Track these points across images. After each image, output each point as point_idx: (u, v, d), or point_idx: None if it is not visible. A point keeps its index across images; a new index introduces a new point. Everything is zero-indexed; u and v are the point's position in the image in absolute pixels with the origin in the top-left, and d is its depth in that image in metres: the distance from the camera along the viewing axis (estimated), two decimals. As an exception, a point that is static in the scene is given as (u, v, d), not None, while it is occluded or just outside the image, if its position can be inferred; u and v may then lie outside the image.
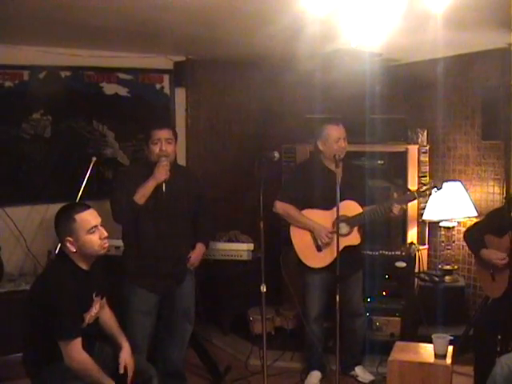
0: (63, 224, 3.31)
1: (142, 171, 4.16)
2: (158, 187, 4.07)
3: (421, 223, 5.84)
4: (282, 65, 6.15)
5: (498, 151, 5.49)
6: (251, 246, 5.85)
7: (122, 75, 6.05)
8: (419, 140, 5.87)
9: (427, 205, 5.58)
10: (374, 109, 5.93)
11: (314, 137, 4.73)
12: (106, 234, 3.39)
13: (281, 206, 4.67)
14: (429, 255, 6.08)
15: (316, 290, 4.75)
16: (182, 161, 6.12)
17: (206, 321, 4.64)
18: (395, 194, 5.20)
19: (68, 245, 3.30)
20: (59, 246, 4.96)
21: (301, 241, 4.66)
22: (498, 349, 4.31)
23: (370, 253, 5.21)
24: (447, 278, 5.53)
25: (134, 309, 4.18)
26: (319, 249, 4.61)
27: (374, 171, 5.40)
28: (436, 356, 3.99)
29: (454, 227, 5.65)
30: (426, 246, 5.98)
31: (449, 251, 5.68)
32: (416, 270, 5.53)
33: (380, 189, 5.32)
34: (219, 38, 5.18)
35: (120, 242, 4.38)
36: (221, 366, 4.95)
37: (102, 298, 3.54)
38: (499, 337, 4.29)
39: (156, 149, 4.12)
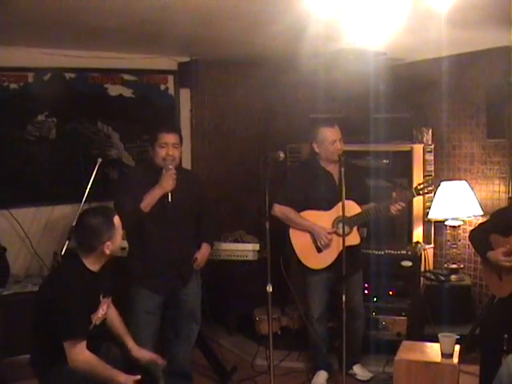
0: (105, 229, 3.35)
1: (147, 174, 4.17)
2: (164, 194, 4.09)
3: (426, 222, 5.84)
4: (286, 64, 6.14)
5: (504, 149, 5.48)
6: (257, 247, 5.86)
7: (126, 76, 6.06)
8: (424, 139, 5.87)
9: (433, 204, 5.58)
10: (378, 108, 5.92)
11: (310, 138, 4.73)
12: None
13: (279, 209, 4.67)
14: (434, 254, 6.08)
15: (317, 291, 4.75)
16: (186, 161, 6.13)
17: (212, 321, 4.63)
18: (394, 194, 5.19)
19: (105, 249, 3.34)
20: (65, 247, 5.04)
21: (300, 242, 4.67)
22: (505, 348, 4.30)
23: (376, 252, 5.21)
24: (453, 277, 5.52)
25: (139, 309, 4.19)
26: (319, 250, 4.62)
27: (379, 171, 5.40)
28: (443, 355, 3.98)
29: (459, 226, 5.63)
30: (432, 245, 5.98)
31: (454, 250, 5.67)
32: (422, 269, 5.53)
33: (385, 188, 5.31)
34: (223, 38, 5.18)
35: (125, 243, 4.38)
36: (227, 366, 4.96)
37: (108, 299, 3.55)
38: (505, 336, 4.28)
39: (162, 152, 4.12)
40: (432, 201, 5.58)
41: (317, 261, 4.64)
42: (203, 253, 4.40)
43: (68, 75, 5.76)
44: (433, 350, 4.10)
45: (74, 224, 5.06)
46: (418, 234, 5.76)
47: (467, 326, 5.10)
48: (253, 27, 4.66)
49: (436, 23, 4.23)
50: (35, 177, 5.67)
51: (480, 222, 5.14)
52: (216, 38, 5.17)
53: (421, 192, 4.54)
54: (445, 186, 5.44)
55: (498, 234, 4.29)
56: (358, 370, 4.96)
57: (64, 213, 5.67)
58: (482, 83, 5.59)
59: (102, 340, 3.54)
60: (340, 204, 4.36)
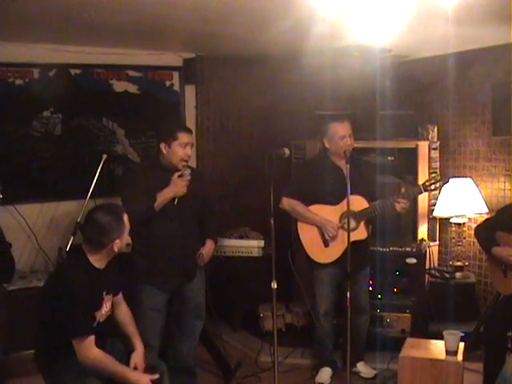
0: (115, 227, 3.35)
1: (156, 172, 4.18)
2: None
3: (431, 219, 5.83)
4: (292, 61, 6.14)
5: (509, 147, 5.47)
6: (261, 243, 5.87)
7: (131, 72, 6.06)
8: (429, 136, 5.86)
9: (438, 201, 5.57)
10: (383, 105, 5.91)
11: (320, 134, 4.74)
12: None
13: (287, 202, 4.69)
14: (439, 252, 6.07)
15: (324, 285, 4.76)
16: (192, 158, 6.11)
17: (217, 317, 4.63)
18: (402, 189, 5.19)
19: (114, 247, 3.35)
20: (70, 243, 5.05)
21: (308, 236, 4.68)
22: (509, 346, 4.30)
23: (381, 249, 5.22)
24: (458, 274, 5.51)
25: (145, 306, 4.19)
26: (326, 244, 4.62)
27: (384, 167, 5.39)
28: (447, 352, 3.98)
29: (464, 223, 5.63)
30: (437, 243, 5.97)
31: (459, 247, 5.66)
32: (427, 267, 5.54)
33: (390, 185, 5.30)
34: (228, 34, 5.18)
35: (129, 239, 4.38)
36: (231, 363, 4.96)
37: (113, 296, 3.56)
38: (510, 334, 4.28)
39: (181, 152, 4.11)
40: (437, 198, 5.57)
41: (324, 255, 4.65)
42: (208, 249, 4.40)
43: (73, 71, 5.77)
44: (437, 348, 4.10)
45: (79, 220, 5.12)
46: (422, 231, 5.76)
47: (472, 323, 5.09)
48: (258, 24, 4.65)
49: (441, 20, 4.23)
50: (40, 173, 5.68)
51: (485, 218, 5.12)
52: (222, 34, 5.18)
53: (428, 188, 4.53)
54: (450, 183, 5.41)
55: (503, 231, 4.29)
56: (361, 367, 4.97)
57: (69, 209, 5.69)
58: (488, 80, 5.57)
59: (106, 336, 3.55)
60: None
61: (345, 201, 4.39)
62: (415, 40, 5.20)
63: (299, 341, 5.49)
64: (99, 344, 3.31)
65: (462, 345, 4.04)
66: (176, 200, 4.12)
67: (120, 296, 3.68)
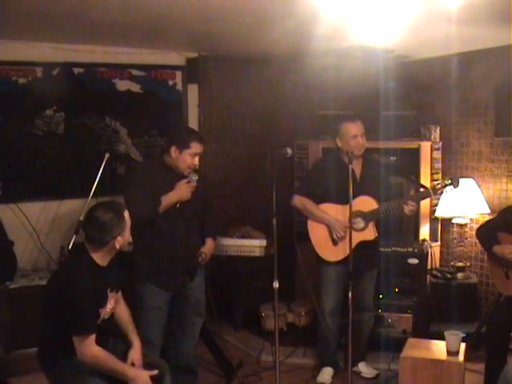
0: (116, 224, 3.35)
1: (160, 173, 4.16)
2: None
3: (433, 220, 5.83)
4: (295, 61, 6.14)
5: (511, 148, 5.47)
6: (264, 243, 5.86)
7: (134, 71, 6.06)
8: (432, 136, 5.86)
9: (440, 201, 5.57)
10: (386, 105, 5.91)
11: (330, 133, 4.76)
12: None
13: (299, 200, 4.72)
14: (441, 252, 6.07)
15: (331, 284, 4.76)
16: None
17: (218, 317, 4.63)
18: (412, 191, 5.20)
19: (116, 244, 3.35)
20: (72, 241, 5.05)
21: (317, 234, 4.70)
22: (511, 346, 4.30)
23: (383, 249, 5.20)
24: (460, 275, 5.52)
25: (147, 305, 4.19)
26: (335, 243, 4.64)
27: (387, 167, 5.39)
28: (448, 353, 3.98)
29: (466, 224, 5.63)
30: (439, 243, 5.98)
31: (461, 248, 5.67)
32: (428, 267, 5.53)
33: (393, 185, 5.30)
34: (231, 34, 5.18)
35: (130, 238, 4.39)
36: (233, 362, 4.96)
37: (116, 293, 3.56)
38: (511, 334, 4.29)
39: (189, 160, 4.10)
40: (439, 199, 5.57)
41: (332, 253, 4.66)
42: (209, 247, 4.42)
43: (76, 70, 5.77)
44: (439, 348, 4.10)
45: (81, 218, 5.11)
46: (424, 231, 5.77)
47: (473, 324, 5.10)
48: (262, 24, 4.66)
49: (443, 21, 4.23)
50: (43, 171, 5.69)
51: (487, 219, 5.12)
52: (225, 34, 5.18)
53: (438, 192, 4.53)
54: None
55: (505, 232, 4.29)
56: (362, 367, 4.97)
57: (71, 207, 5.69)
58: (490, 81, 5.57)
59: (109, 335, 3.55)
60: (358, 199, 4.45)
61: (355, 201, 4.40)
62: (418, 41, 5.21)
63: (301, 340, 5.48)
64: (102, 342, 3.32)
65: (463, 345, 4.04)
66: (178, 203, 4.13)
67: (119, 293, 3.68)
